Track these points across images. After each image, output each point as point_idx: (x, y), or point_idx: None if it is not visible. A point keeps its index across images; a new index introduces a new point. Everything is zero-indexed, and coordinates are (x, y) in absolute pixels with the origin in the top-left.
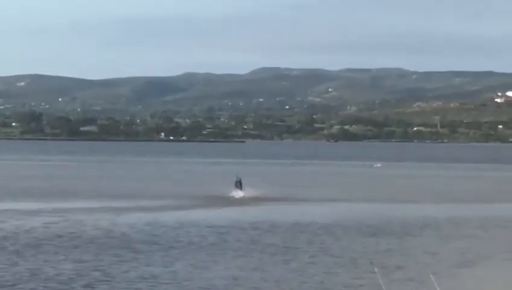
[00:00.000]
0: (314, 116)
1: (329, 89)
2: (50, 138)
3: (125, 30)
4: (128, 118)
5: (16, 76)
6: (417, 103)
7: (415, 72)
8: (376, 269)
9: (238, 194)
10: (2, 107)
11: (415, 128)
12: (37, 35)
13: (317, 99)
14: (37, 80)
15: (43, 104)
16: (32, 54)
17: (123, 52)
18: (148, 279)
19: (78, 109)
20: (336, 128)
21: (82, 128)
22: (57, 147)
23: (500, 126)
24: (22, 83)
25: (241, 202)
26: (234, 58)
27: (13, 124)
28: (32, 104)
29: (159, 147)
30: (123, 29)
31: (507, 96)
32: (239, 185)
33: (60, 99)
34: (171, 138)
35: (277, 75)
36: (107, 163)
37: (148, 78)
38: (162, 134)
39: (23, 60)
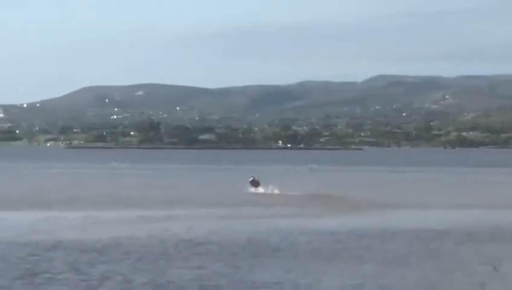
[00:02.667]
0: (431, 123)
1: (446, 96)
2: (168, 146)
3: (241, 39)
4: (245, 126)
5: (134, 85)
6: None
7: None
8: (499, 274)
9: (257, 190)
10: (120, 116)
11: None
12: (153, 45)
13: (434, 106)
14: (154, 89)
15: (160, 113)
16: (150, 64)
17: (239, 61)
18: (268, 287)
19: (196, 118)
20: (453, 135)
21: (200, 137)
22: (175, 155)
23: None
24: (140, 93)
25: (357, 208)
26: (350, 66)
27: (132, 133)
28: (150, 113)
29: (276, 155)
30: (239, 38)
31: None
32: (254, 183)
33: (177, 108)
34: (289, 145)
35: (393, 82)
36: (230, 171)
37: (265, 87)
38: (280, 142)
39: (140, 70)
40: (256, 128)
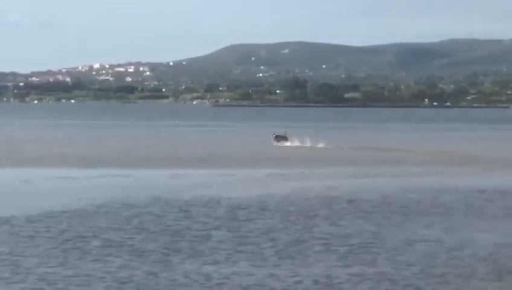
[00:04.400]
0: None
1: None
2: (313, 104)
3: None
4: (391, 84)
5: (280, 43)
6: None
7: None
8: None
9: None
10: (266, 74)
11: None
12: (297, 2)
13: None
14: (301, 47)
15: (306, 71)
16: (296, 22)
17: (386, 18)
18: (418, 241)
19: (342, 76)
20: None
21: (346, 95)
22: (321, 113)
23: None
24: (286, 50)
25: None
26: (497, 24)
27: (277, 91)
28: (296, 71)
29: (424, 113)
30: None
31: None
32: (280, 138)
33: (323, 66)
34: (435, 104)
35: None
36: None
37: (412, 45)
38: (426, 100)
39: (286, 27)
40: (402, 87)
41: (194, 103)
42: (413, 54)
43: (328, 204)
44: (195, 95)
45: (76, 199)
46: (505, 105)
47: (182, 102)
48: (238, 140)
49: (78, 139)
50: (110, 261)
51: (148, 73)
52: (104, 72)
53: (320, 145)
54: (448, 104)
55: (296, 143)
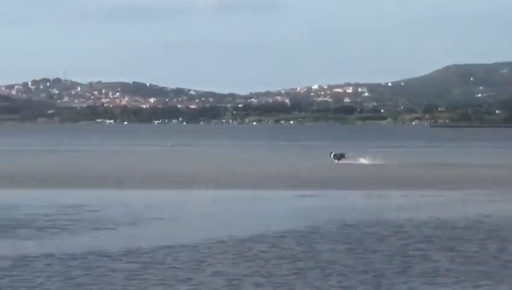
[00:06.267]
0: None
1: None
2: None
3: None
4: None
5: (498, 63)
6: None
7: None
8: None
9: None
10: (485, 95)
11: None
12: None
13: None
14: None
15: None
16: None
17: None
18: None
19: None
20: None
21: None
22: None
23: None
24: (505, 70)
25: None
26: None
27: (496, 111)
28: None
29: None
30: None
31: None
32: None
33: None
34: None
35: None
36: None
37: None
38: None
39: (504, 47)
40: None
41: (413, 123)
42: None
43: None
44: (413, 115)
45: (289, 219)
46: None
47: (401, 123)
48: (454, 160)
49: (295, 160)
50: (330, 279)
51: (366, 94)
52: (322, 93)
53: None
54: None
55: None
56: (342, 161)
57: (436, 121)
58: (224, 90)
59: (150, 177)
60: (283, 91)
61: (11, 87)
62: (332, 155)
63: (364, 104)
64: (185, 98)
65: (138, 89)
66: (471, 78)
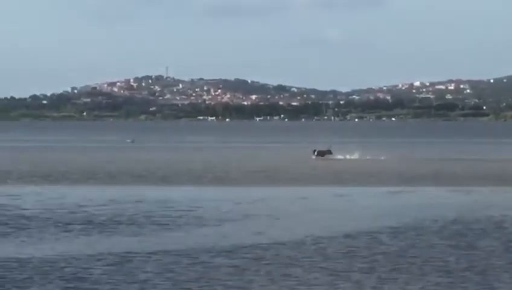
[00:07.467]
0: None
1: None
2: None
3: None
4: None
5: None
6: None
7: None
8: None
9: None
10: None
11: None
12: None
13: None
14: None
15: None
16: None
17: None
18: None
19: None
20: None
21: None
22: None
23: None
24: None
25: None
26: None
27: None
28: None
29: None
30: None
31: None
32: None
33: None
34: None
35: None
36: None
37: None
38: None
39: None
40: None
41: None
42: None
43: None
44: None
45: (387, 216)
46: None
47: (503, 120)
48: None
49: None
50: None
51: (468, 90)
52: (424, 89)
53: None
54: None
55: None
56: (326, 158)
57: None
58: (325, 87)
59: (247, 174)
60: (384, 88)
61: (113, 84)
62: (315, 152)
63: (466, 100)
64: (286, 95)
65: (240, 86)
66: None
